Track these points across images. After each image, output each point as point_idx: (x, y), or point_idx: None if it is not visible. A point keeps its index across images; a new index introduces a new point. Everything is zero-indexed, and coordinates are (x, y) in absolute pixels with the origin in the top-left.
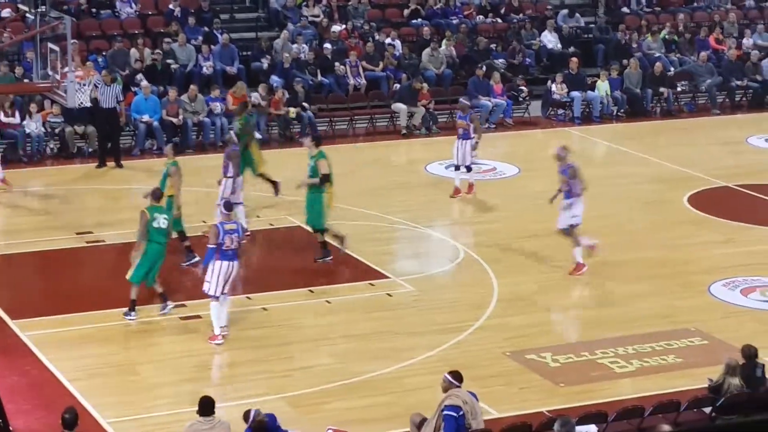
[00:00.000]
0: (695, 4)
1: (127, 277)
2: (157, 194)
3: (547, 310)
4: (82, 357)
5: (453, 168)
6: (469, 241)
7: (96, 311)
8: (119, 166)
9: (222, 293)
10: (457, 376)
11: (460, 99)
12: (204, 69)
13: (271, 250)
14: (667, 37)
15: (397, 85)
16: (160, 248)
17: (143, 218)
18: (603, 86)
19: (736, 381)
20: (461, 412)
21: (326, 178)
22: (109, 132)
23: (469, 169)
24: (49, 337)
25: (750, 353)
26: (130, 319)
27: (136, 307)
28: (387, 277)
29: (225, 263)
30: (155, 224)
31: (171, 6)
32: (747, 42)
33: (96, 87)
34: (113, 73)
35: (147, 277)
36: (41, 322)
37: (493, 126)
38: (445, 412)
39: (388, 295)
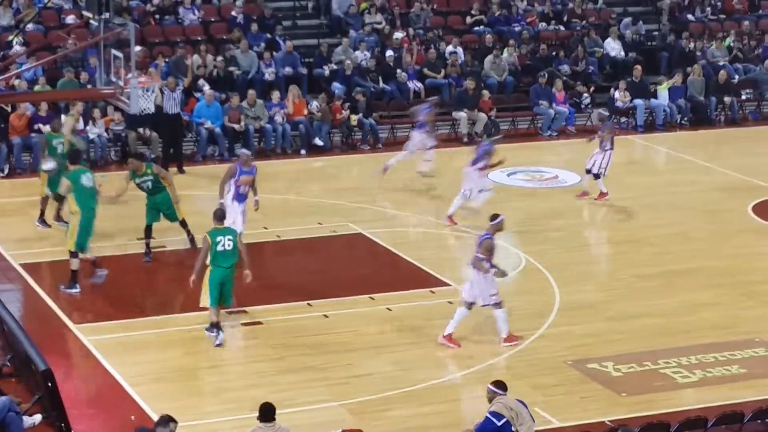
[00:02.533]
0: (760, 12)
1: (201, 304)
2: (219, 215)
3: (609, 319)
4: (144, 362)
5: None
6: (530, 249)
7: (157, 316)
8: (181, 171)
9: None
10: (500, 385)
11: (599, 111)
12: (266, 75)
13: (332, 257)
14: (731, 44)
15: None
16: (225, 272)
17: (205, 244)
18: (664, 93)
19: None
20: (504, 419)
21: None
22: (172, 138)
23: (596, 177)
24: (112, 342)
25: None
26: (213, 336)
27: (221, 326)
28: (448, 285)
29: None
30: (219, 248)
31: (234, 13)
32: None
33: (161, 93)
34: (177, 79)
35: (222, 298)
36: (104, 327)
37: (555, 134)
38: (486, 416)
39: (449, 302)
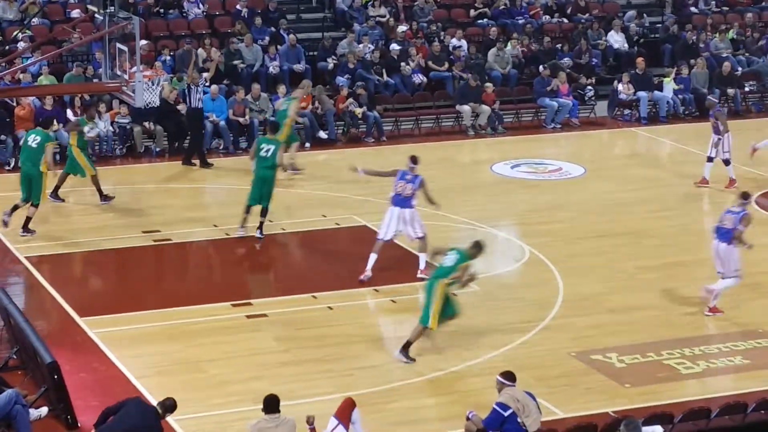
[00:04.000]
0: (763, 4)
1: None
2: (476, 246)
3: (612, 311)
4: (149, 354)
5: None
6: (534, 241)
7: (163, 309)
8: (206, 165)
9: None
10: (508, 375)
11: (708, 97)
12: (270, 69)
13: (336, 250)
14: (735, 36)
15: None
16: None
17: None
18: (669, 86)
19: None
20: (510, 410)
21: None
22: (197, 133)
23: (726, 162)
24: (117, 334)
25: None
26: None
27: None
28: None
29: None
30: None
31: (238, 6)
32: None
33: (188, 88)
34: (190, 73)
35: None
36: (109, 320)
37: (559, 126)
38: (493, 407)
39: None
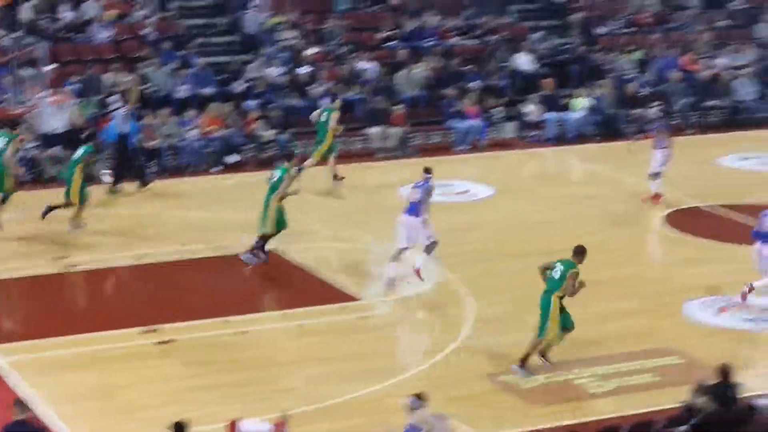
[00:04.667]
0: (669, 25)
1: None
2: (579, 251)
3: (522, 330)
4: (61, 382)
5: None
6: (446, 262)
7: (73, 336)
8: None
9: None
10: (419, 397)
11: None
12: (180, 93)
13: (246, 275)
14: (641, 57)
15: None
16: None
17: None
18: (579, 104)
19: (708, 400)
20: None
21: None
22: (128, 157)
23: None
24: (29, 361)
25: (724, 372)
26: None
27: None
28: (360, 300)
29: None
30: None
31: (146, 30)
32: (720, 62)
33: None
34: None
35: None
36: (19, 347)
37: (468, 147)
38: (405, 430)
39: (363, 317)
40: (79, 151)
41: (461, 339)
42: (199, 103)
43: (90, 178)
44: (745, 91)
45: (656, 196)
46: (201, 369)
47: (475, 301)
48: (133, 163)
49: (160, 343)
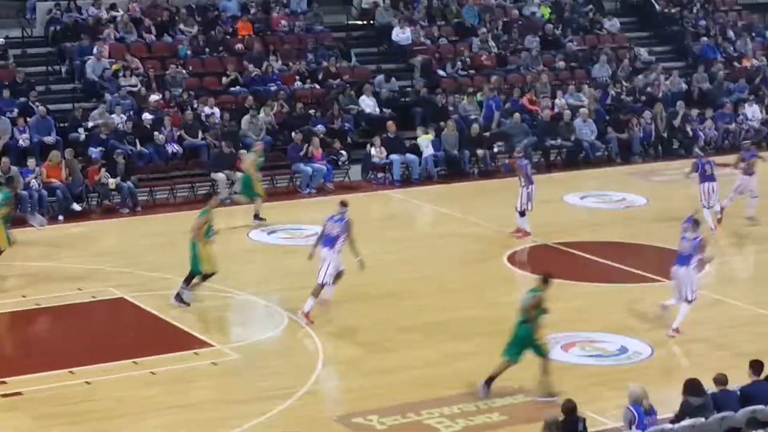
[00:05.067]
0: (508, 66)
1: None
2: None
3: (372, 373)
4: None
5: None
6: (293, 307)
7: None
8: None
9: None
10: None
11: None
12: (20, 141)
13: (93, 323)
14: (482, 99)
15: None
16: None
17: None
18: (424, 142)
19: None
20: None
21: None
22: None
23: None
24: None
25: (569, 408)
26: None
27: None
28: (212, 346)
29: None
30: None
31: None
32: (559, 102)
33: None
34: None
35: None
36: None
37: (314, 191)
38: None
39: (213, 363)
40: None
41: (310, 383)
42: (41, 151)
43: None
44: (585, 130)
45: (522, 231)
46: (47, 422)
47: (323, 345)
48: None
49: (5, 395)
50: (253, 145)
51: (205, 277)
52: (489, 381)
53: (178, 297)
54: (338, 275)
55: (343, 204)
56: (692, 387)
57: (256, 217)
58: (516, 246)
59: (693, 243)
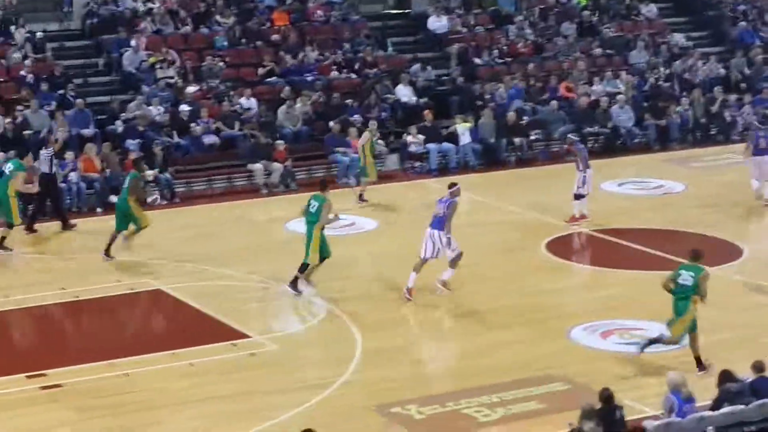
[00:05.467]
0: (544, 54)
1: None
2: (699, 254)
3: (412, 363)
4: None
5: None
6: (331, 297)
7: None
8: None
9: None
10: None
11: (568, 135)
12: (58, 134)
13: (131, 315)
14: (519, 86)
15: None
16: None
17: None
18: (462, 130)
19: (592, 425)
20: None
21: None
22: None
23: (577, 197)
24: None
25: (606, 396)
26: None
27: None
28: (249, 337)
29: None
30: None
31: (23, 72)
32: (596, 89)
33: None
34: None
35: None
36: None
37: (352, 181)
38: None
39: (252, 354)
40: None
41: (348, 373)
42: (79, 144)
43: None
44: (622, 117)
45: (582, 216)
46: (88, 414)
47: (362, 335)
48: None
49: (46, 387)
50: (369, 124)
51: (322, 260)
52: (699, 363)
53: (293, 284)
54: (457, 258)
55: (452, 186)
56: (726, 376)
57: (361, 198)
58: (555, 233)
59: None
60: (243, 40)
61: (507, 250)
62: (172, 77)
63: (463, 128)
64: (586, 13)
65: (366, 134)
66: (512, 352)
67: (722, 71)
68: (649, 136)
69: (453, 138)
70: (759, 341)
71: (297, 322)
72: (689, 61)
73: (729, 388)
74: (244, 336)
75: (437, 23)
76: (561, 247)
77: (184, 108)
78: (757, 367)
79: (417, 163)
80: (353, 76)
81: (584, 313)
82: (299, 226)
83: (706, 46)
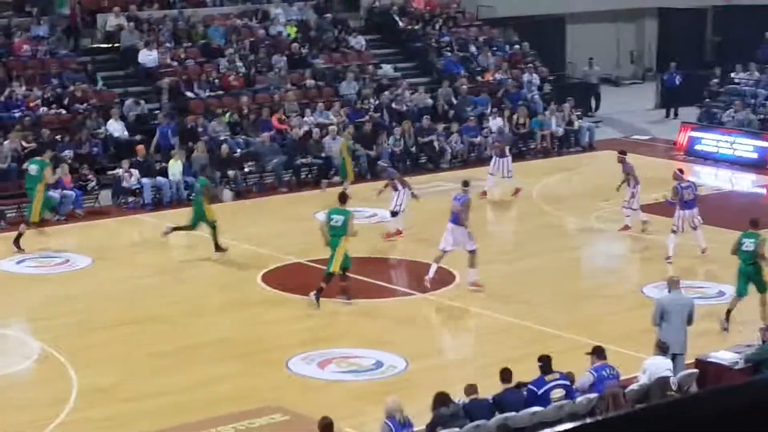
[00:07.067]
0: (257, 86)
1: None
2: (756, 222)
3: (127, 401)
4: None
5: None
6: (45, 337)
7: None
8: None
9: None
10: None
11: (379, 163)
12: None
13: None
14: (232, 119)
15: None
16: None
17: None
18: (176, 167)
19: None
20: None
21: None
22: None
23: (393, 214)
24: None
25: (325, 425)
26: None
27: None
28: None
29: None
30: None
31: None
32: (308, 120)
33: None
34: None
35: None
36: None
37: (64, 218)
38: None
39: None
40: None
41: (64, 414)
42: None
43: None
44: (335, 148)
45: (397, 232)
46: None
47: (76, 374)
48: None
49: None
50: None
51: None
52: (727, 315)
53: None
54: (472, 255)
55: (465, 183)
56: (441, 399)
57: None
58: (270, 265)
59: None
60: None
61: (223, 283)
62: None
63: (176, 164)
64: (296, 45)
65: (341, 139)
66: (231, 385)
67: (430, 101)
68: (361, 166)
69: (167, 172)
70: None
71: (10, 364)
72: (397, 92)
73: (443, 413)
74: None
75: (148, 57)
76: (277, 278)
77: None
78: (469, 390)
79: (131, 198)
80: (63, 111)
81: (301, 344)
82: (10, 265)
83: (415, 77)
